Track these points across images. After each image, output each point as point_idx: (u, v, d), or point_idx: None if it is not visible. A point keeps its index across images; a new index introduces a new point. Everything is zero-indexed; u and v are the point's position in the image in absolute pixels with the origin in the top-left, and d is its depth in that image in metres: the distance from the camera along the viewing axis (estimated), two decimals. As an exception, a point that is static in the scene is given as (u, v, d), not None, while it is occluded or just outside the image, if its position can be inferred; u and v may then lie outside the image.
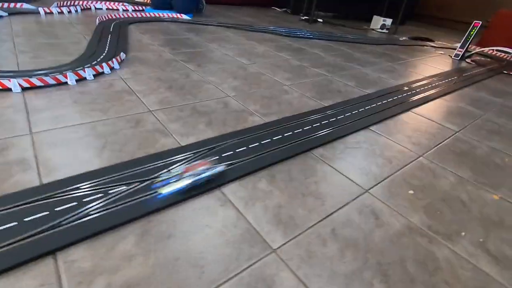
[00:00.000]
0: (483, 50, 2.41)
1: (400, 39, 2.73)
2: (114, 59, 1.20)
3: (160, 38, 1.70)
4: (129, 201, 0.56)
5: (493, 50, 2.34)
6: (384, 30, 2.99)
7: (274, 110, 1.03)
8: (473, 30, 2.10)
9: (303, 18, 3.05)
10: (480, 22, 2.11)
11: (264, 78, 1.31)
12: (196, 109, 0.96)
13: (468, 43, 2.14)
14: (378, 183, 0.73)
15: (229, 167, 0.69)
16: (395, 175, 0.77)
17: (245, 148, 0.78)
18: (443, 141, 0.97)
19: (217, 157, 0.72)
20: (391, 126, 1.03)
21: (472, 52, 2.32)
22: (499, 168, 0.87)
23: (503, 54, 2.33)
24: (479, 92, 1.52)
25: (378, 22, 3.01)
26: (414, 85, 1.47)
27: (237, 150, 0.76)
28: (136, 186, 0.60)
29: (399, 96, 1.29)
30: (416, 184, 0.74)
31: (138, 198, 0.57)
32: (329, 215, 0.60)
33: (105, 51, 1.34)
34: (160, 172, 0.64)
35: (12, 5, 1.97)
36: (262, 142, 0.82)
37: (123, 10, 2.37)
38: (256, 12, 3.24)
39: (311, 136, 0.88)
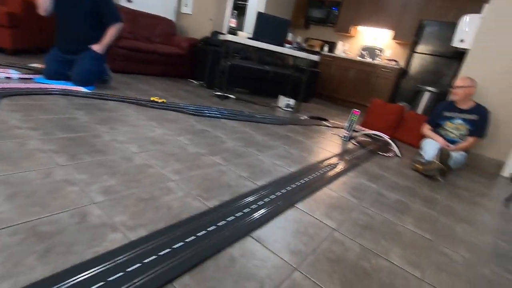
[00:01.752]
0: (364, 133, 2.86)
1: (301, 118, 3.06)
2: None
3: (35, 119, 1.48)
4: None
5: (370, 133, 2.80)
6: (289, 109, 3.34)
7: (147, 220, 0.91)
8: (354, 117, 2.49)
9: (216, 93, 3.20)
10: (359, 111, 2.53)
11: (149, 172, 1.21)
12: (36, 229, 0.77)
13: (352, 127, 2.51)
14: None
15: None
16: (263, 306, 0.70)
17: (80, 293, 0.62)
18: (320, 245, 0.99)
19: (29, 319, 0.54)
20: (273, 232, 1.01)
21: (357, 134, 2.72)
22: (367, 275, 0.89)
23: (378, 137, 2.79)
24: (359, 177, 1.70)
25: (283, 101, 3.36)
26: (303, 174, 1.56)
27: (65, 301, 0.59)
28: None
29: (287, 189, 1.33)
30: (284, 317, 0.68)
31: None
32: None
33: None
34: None
35: None
36: (108, 279, 0.67)
37: (6, 78, 2.08)
38: (171, 85, 3.28)
39: (178, 258, 0.77)
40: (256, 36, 2.88)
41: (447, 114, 2.48)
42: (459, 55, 3.33)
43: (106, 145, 1.37)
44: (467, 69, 2.67)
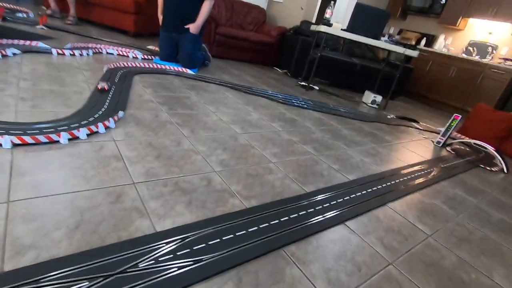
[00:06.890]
0: (463, 141, 2.57)
1: (388, 116, 2.91)
2: (111, 118, 1.25)
3: (161, 95, 1.79)
4: (87, 303, 0.55)
5: (471, 142, 2.50)
6: (374, 106, 3.19)
7: (256, 193, 1.06)
8: (453, 122, 2.27)
9: (301, 83, 3.26)
10: (460, 116, 2.28)
11: (252, 152, 1.37)
12: (179, 185, 0.99)
13: (449, 132, 2.29)
14: (344, 296, 0.73)
15: (197, 264, 0.69)
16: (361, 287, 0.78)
17: (218, 240, 0.79)
18: (414, 247, 1.00)
19: (188, 250, 0.73)
20: (366, 223, 1.06)
21: (453, 141, 2.47)
22: (465, 286, 0.88)
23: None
24: (455, 188, 1.59)
25: (369, 97, 3.23)
26: (394, 175, 1.54)
27: (209, 243, 0.77)
28: (99, 283, 0.59)
29: (378, 187, 1.34)
30: (381, 301, 0.75)
31: (97, 299, 0.56)
32: (288, 337, 0.60)
33: (105, 106, 1.40)
34: (125, 266, 0.64)
35: (27, 42, 2.08)
36: (237, 233, 0.83)
37: (133, 57, 2.52)
38: (258, 72, 3.46)
39: (286, 230, 0.90)
40: (351, 28, 2.80)
41: None
42: None
43: (215, 123, 1.59)
44: None
